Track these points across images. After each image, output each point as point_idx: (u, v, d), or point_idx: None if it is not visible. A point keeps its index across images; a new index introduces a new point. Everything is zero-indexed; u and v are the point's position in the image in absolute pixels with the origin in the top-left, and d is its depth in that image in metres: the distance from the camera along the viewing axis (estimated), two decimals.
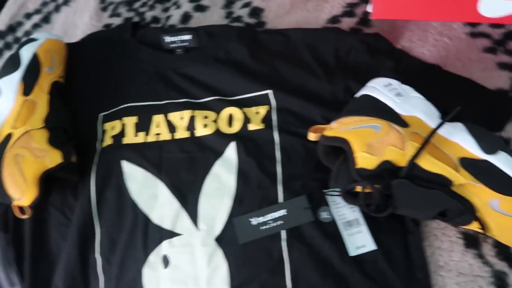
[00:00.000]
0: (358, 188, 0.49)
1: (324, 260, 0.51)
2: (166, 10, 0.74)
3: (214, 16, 0.71)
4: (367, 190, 0.47)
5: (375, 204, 0.48)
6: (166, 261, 0.57)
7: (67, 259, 0.60)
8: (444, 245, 0.49)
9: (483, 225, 0.44)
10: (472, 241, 0.49)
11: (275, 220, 0.54)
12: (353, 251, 0.51)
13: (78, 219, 0.61)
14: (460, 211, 0.43)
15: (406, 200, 0.45)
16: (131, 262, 0.58)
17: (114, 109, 0.65)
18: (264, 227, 0.54)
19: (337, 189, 0.53)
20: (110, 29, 0.73)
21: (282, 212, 0.54)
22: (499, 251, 0.48)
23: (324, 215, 0.53)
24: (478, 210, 0.44)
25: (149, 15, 0.74)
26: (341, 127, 0.50)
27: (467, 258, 0.48)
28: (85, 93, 0.68)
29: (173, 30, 0.69)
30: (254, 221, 0.54)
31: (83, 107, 0.67)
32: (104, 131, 0.65)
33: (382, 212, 0.47)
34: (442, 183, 0.43)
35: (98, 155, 0.64)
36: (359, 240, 0.51)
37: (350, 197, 0.50)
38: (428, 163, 0.44)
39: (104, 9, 0.76)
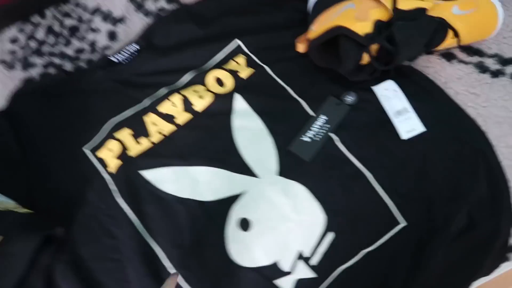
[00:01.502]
0: (364, 60, 0.58)
1: (377, 142, 0.59)
2: None
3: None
4: (374, 52, 0.57)
5: (382, 63, 0.57)
6: (244, 224, 0.57)
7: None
8: (435, 68, 0.62)
9: (455, 32, 0.58)
10: (448, 56, 0.63)
11: (321, 126, 0.59)
12: (406, 136, 0.59)
13: (129, 250, 0.56)
14: (438, 28, 0.56)
15: (406, 39, 0.55)
16: (212, 251, 0.56)
17: (99, 134, 0.61)
18: (317, 137, 0.58)
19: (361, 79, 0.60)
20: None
21: (322, 118, 0.59)
22: (467, 52, 0.63)
23: (348, 98, 0.60)
24: (449, 21, 0.57)
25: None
26: (322, 24, 0.58)
27: (455, 67, 0.62)
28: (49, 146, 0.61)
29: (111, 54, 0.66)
30: (306, 137, 0.58)
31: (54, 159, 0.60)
32: (101, 160, 0.60)
33: (388, 64, 0.57)
34: (422, 13, 0.56)
35: (112, 183, 0.58)
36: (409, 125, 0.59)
37: (356, 73, 0.59)
38: (406, 3, 0.55)
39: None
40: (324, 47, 0.59)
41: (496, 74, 0.61)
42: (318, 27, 0.59)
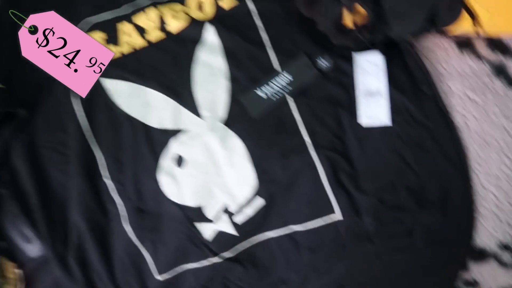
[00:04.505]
0: (349, 23, 0.48)
1: (335, 120, 0.52)
2: None
3: None
4: (361, 17, 0.47)
5: (367, 31, 0.48)
6: (179, 160, 0.57)
7: (78, 192, 0.58)
8: (440, 54, 0.50)
9: (472, 14, 0.45)
10: (465, 44, 0.50)
11: (282, 86, 0.53)
12: (365, 121, 0.51)
13: (74, 149, 0.59)
14: (452, 5, 0.44)
15: (397, 7, 0.45)
16: (144, 174, 0.58)
17: None
18: (274, 96, 0.53)
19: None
20: None
21: (286, 77, 0.53)
22: (492, 46, 0.49)
23: (322, 63, 0.53)
24: None
25: None
26: None
27: (465, 60, 0.49)
28: None
29: None
30: (260, 92, 0.54)
31: None
32: None
33: (375, 34, 0.47)
34: None
35: None
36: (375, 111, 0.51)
37: (339, 34, 0.50)
38: None
39: None
40: None
41: None
42: None
